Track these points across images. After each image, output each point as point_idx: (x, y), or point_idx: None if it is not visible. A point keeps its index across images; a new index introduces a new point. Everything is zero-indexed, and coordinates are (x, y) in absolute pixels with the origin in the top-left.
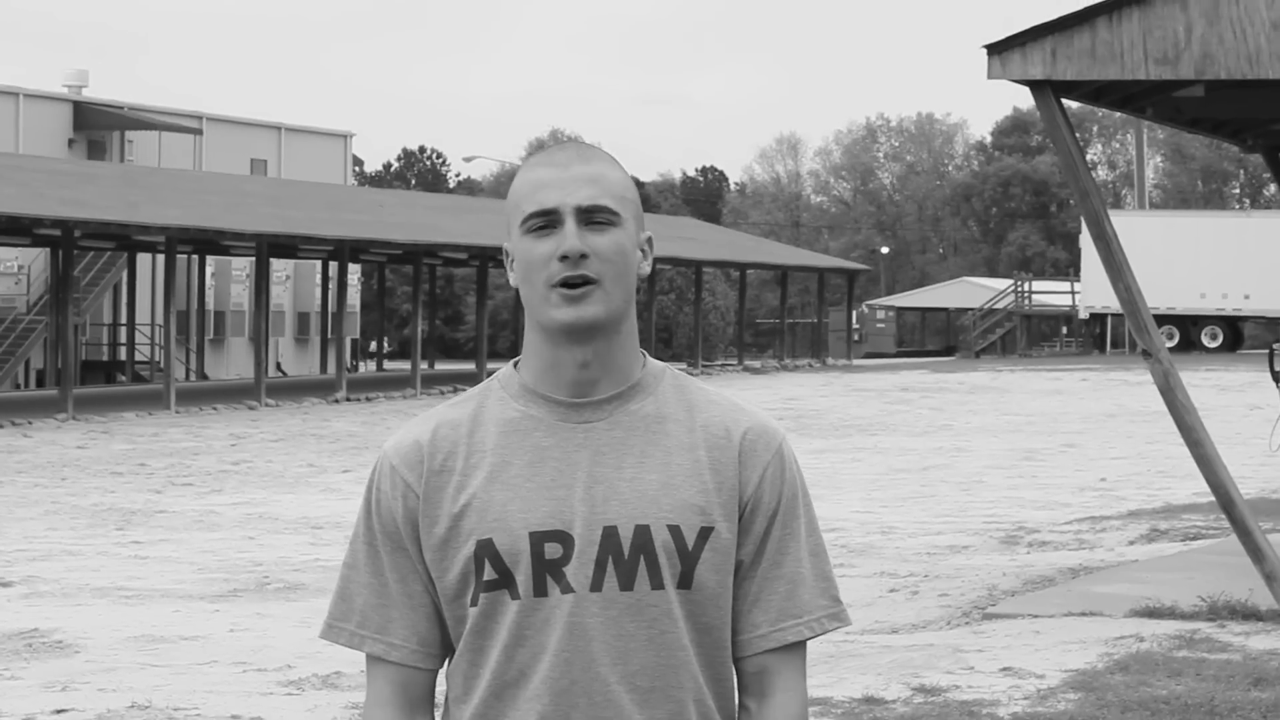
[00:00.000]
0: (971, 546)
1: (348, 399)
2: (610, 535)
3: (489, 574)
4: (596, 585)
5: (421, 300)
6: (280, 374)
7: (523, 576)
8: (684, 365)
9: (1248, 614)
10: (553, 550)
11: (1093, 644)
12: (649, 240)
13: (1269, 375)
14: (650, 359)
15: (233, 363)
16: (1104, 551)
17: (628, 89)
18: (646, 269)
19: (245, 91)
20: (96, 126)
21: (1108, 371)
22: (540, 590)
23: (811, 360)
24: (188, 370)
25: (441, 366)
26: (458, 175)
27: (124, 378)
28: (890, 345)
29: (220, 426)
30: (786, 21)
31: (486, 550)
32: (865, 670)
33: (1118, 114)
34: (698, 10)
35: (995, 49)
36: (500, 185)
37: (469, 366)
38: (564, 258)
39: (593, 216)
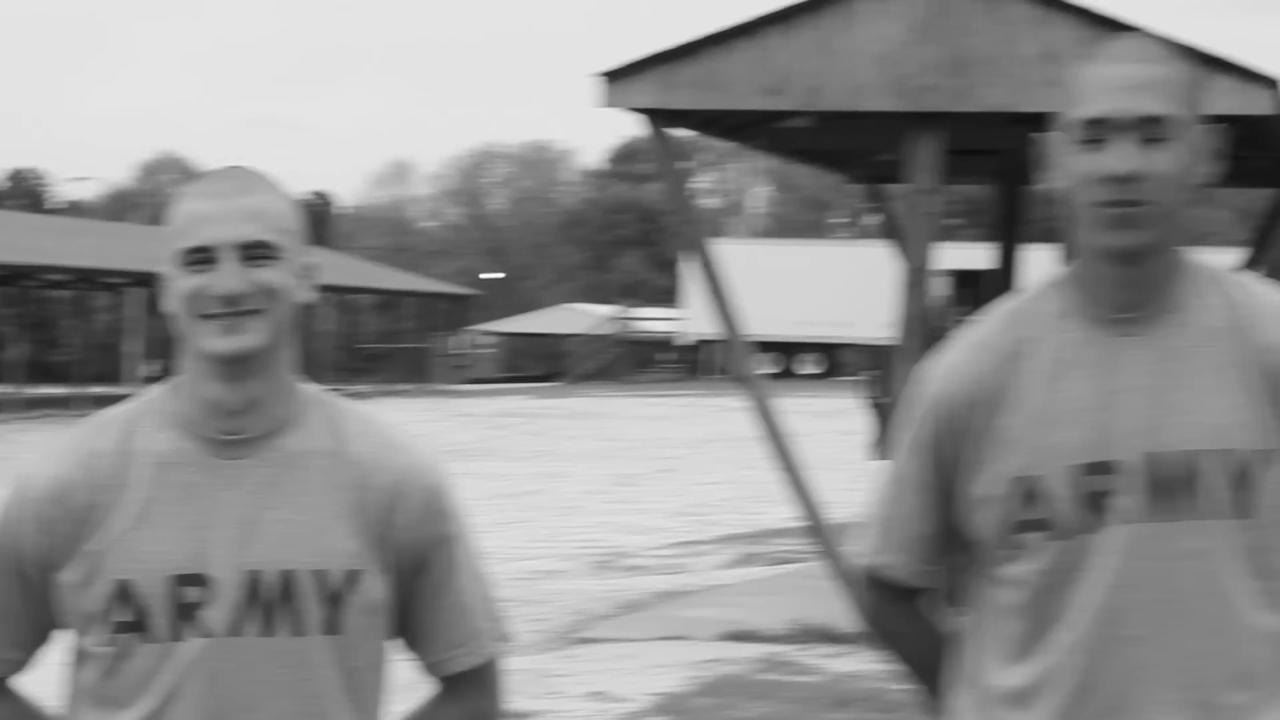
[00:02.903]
0: (566, 571)
1: None
2: (253, 580)
3: (123, 615)
4: (236, 630)
5: (22, 323)
6: None
7: (158, 620)
8: None
9: (832, 637)
10: (192, 594)
11: (680, 667)
12: (310, 267)
13: (864, 402)
14: (305, 388)
15: None
16: (695, 575)
17: (239, 111)
18: (308, 295)
19: None
20: None
21: (707, 397)
22: (175, 634)
23: (417, 385)
24: None
25: (43, 390)
26: (63, 197)
27: None
28: (495, 370)
29: None
30: (402, 46)
31: (122, 591)
32: None
33: (727, 143)
34: (314, 33)
35: (607, 77)
36: (108, 207)
37: (68, 390)
38: (221, 298)
39: (252, 252)
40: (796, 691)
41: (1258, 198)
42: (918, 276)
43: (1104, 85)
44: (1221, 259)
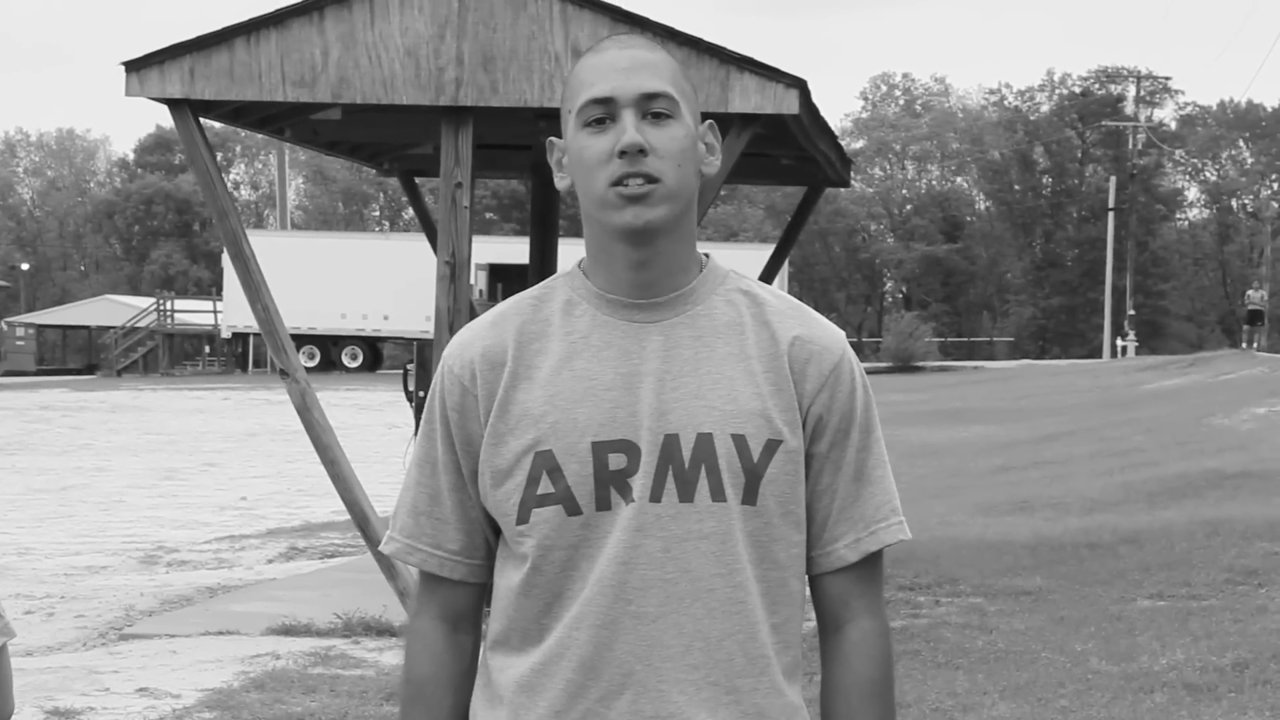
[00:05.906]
0: (110, 567)
1: None
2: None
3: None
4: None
5: None
6: None
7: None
8: None
9: (381, 630)
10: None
11: (230, 663)
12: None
13: (404, 395)
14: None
15: None
16: (243, 570)
17: None
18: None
19: None
20: None
21: (250, 390)
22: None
23: None
24: None
25: None
26: None
27: None
28: (31, 363)
29: None
30: None
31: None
32: None
33: (260, 135)
34: None
35: (134, 66)
36: None
37: None
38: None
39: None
40: (347, 685)
41: (788, 195)
42: (454, 270)
43: (603, 69)
44: (753, 254)
